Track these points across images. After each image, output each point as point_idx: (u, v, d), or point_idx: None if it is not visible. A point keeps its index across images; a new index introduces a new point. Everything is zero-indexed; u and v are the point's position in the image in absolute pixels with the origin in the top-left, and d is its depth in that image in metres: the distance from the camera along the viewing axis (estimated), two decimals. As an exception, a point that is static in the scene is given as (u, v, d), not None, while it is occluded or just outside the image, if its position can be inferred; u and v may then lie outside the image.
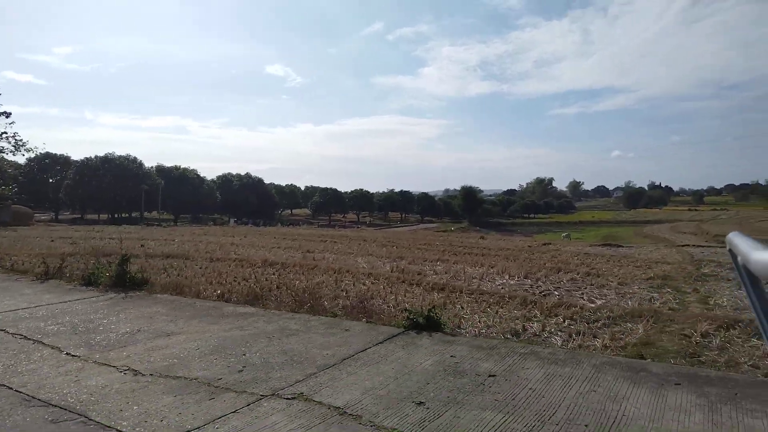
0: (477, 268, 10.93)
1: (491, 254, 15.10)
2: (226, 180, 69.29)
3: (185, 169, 61.13)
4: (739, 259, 0.81)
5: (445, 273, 9.99)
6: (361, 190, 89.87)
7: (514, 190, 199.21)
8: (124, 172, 51.56)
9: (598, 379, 3.60)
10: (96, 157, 53.56)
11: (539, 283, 9.13)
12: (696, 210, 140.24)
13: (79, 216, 59.41)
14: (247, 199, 65.07)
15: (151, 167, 58.09)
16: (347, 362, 3.99)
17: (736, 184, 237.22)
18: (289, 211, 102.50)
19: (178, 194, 56.30)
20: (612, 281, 9.42)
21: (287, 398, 3.24)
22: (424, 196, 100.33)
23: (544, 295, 7.86)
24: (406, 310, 5.32)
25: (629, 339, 4.88)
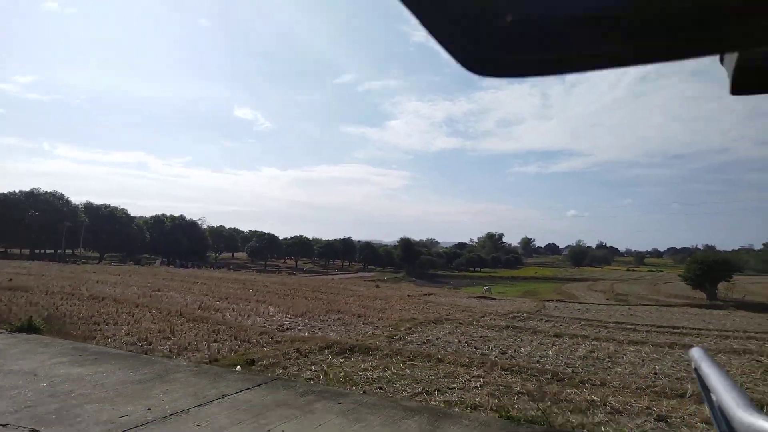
0: (277, 308, 13.26)
1: (336, 299, 17.53)
2: (158, 221, 70.21)
3: (114, 208, 61.98)
4: (713, 397, 0.79)
5: (233, 309, 12.27)
6: (301, 236, 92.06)
7: (465, 243, 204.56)
8: (48, 207, 52.12)
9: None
10: (20, 192, 53.96)
11: (303, 320, 11.55)
12: (634, 270, 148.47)
13: (3, 250, 58.66)
14: (178, 240, 66.04)
15: (79, 204, 58.77)
16: None
17: (678, 247, 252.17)
18: (230, 254, 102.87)
19: (105, 233, 56.87)
20: (373, 321, 11.99)
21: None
22: (367, 245, 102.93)
23: (282, 328, 10.25)
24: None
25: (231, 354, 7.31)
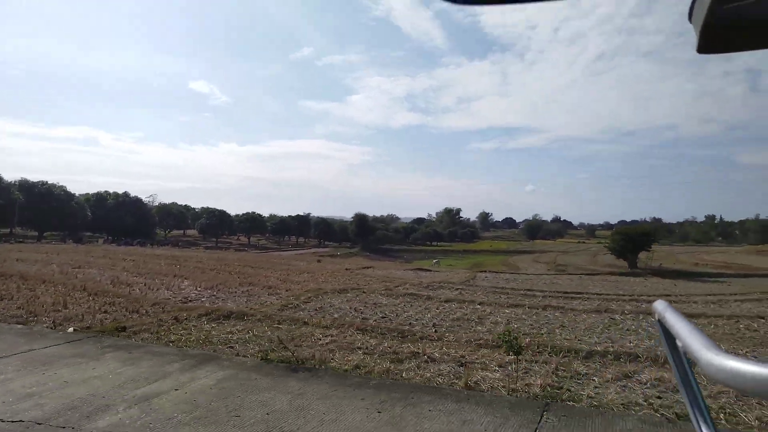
0: (192, 281, 13.86)
1: (259, 273, 18.21)
2: (100, 198, 68.39)
3: (52, 185, 59.92)
4: (678, 343, 0.81)
5: (146, 284, 12.82)
6: (253, 213, 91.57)
7: (423, 218, 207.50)
8: (-23, 185, 50.10)
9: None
10: (-54, 168, 51.50)
11: (212, 292, 12.23)
12: (583, 242, 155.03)
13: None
14: (122, 218, 64.71)
15: (13, 181, 56.52)
16: None
17: (627, 220, 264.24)
18: (182, 232, 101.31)
19: (42, 211, 55.12)
20: (280, 292, 12.78)
21: None
22: (322, 221, 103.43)
23: (185, 300, 10.90)
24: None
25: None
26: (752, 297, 15.40)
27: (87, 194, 68.10)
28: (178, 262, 21.95)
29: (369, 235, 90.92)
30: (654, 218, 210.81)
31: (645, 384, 5.25)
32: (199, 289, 12.55)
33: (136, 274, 15.37)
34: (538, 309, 11.67)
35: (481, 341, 7.24)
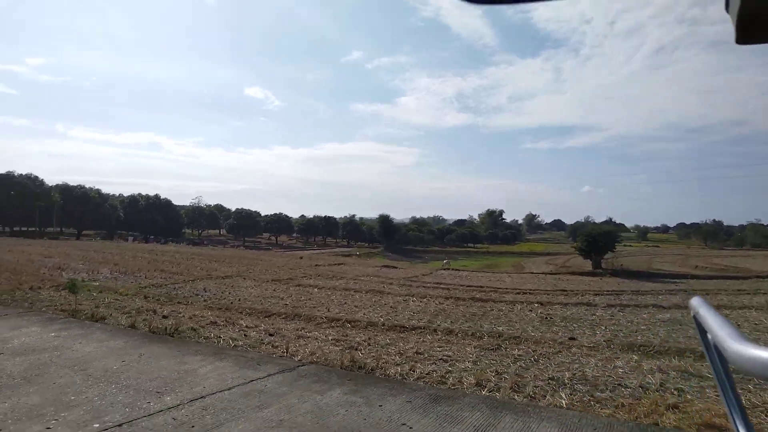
0: (116, 267, 16.98)
1: (206, 266, 21.21)
2: (133, 200, 75.02)
3: (90, 189, 66.81)
4: (709, 337, 0.83)
5: (75, 270, 16.01)
6: (280, 214, 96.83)
7: (464, 220, 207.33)
8: (23, 189, 56.94)
9: None
10: (-5, 174, 58.93)
11: (121, 275, 15.22)
12: (627, 246, 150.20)
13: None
14: (153, 218, 70.80)
15: (53, 186, 63.62)
16: None
17: (687, 222, 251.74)
18: (218, 231, 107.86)
19: (79, 212, 61.69)
20: (174, 276, 15.61)
21: None
22: (350, 222, 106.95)
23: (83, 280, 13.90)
24: None
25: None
26: (660, 293, 16.85)
27: (121, 196, 75.19)
28: (154, 256, 25.46)
29: (392, 236, 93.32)
30: (714, 220, 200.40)
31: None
32: (115, 273, 15.61)
33: (93, 262, 18.71)
34: (403, 296, 13.73)
35: (285, 314, 9.63)
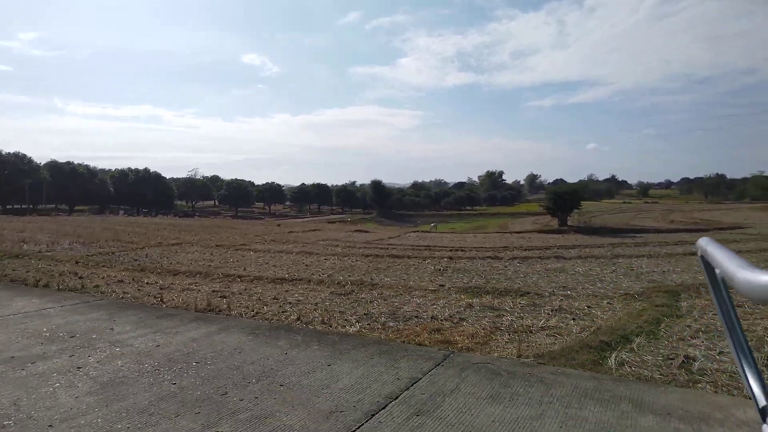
0: (78, 239, 18.15)
1: (167, 234, 22.38)
2: (123, 174, 76.09)
3: (78, 165, 67.89)
4: (717, 272, 0.82)
5: (36, 241, 17.19)
6: (272, 183, 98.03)
7: (464, 182, 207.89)
8: (11, 168, 58.09)
9: None
10: (-17, 153, 60.20)
11: (79, 246, 16.39)
12: (625, 203, 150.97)
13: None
14: (143, 192, 72.04)
15: (42, 163, 64.88)
16: None
17: (691, 177, 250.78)
18: (212, 203, 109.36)
19: (68, 188, 63.00)
20: (130, 244, 16.78)
21: None
22: (343, 189, 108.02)
23: (38, 250, 15.07)
24: None
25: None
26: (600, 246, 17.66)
27: (111, 171, 76.41)
28: (127, 227, 26.67)
29: (385, 201, 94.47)
30: (717, 174, 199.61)
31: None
32: (75, 244, 16.78)
33: (59, 235, 19.88)
34: (333, 256, 14.94)
35: (226, 275, 10.83)
